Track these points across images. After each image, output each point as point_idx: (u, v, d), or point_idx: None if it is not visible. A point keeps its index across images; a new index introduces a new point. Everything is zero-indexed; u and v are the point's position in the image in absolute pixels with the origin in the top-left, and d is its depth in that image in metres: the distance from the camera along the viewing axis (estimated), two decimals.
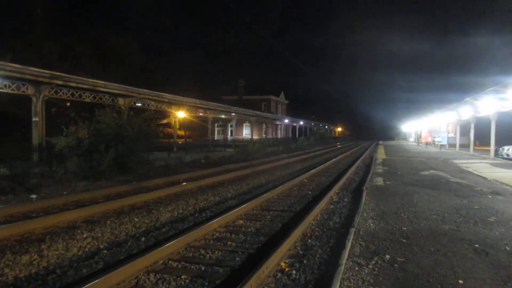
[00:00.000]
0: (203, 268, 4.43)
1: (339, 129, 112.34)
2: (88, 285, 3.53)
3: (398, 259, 4.45)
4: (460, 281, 3.80)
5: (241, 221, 6.66)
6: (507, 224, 6.08)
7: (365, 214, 6.83)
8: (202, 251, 5.01)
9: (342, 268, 4.01)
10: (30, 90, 16.05)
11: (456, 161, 19.02)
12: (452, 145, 34.45)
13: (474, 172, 13.89)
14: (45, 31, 33.15)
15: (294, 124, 66.78)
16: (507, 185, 10.47)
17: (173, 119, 29.97)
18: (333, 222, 6.58)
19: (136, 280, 4.06)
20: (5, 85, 15.34)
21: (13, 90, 15.63)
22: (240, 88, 61.00)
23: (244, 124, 56.60)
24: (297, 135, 62.32)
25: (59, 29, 38.95)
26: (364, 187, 9.76)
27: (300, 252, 4.97)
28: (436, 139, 34.82)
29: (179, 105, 27.75)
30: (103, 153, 12.28)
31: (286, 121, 61.87)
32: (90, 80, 18.89)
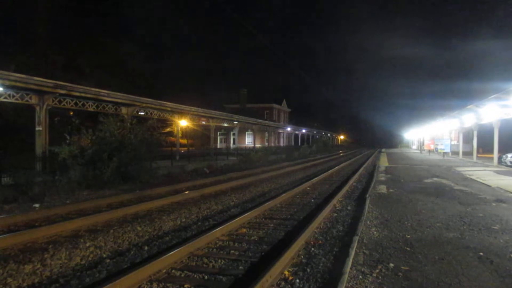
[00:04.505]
0: (206, 277, 4.41)
1: (342, 137, 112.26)
2: None
3: (402, 267, 4.42)
4: None
5: (244, 230, 6.65)
6: (511, 232, 6.04)
7: (368, 222, 6.80)
8: (205, 260, 4.99)
9: (346, 276, 3.99)
10: (33, 100, 16.18)
11: (459, 169, 18.94)
12: (455, 153, 34.33)
13: (477, 179, 13.82)
14: (48, 40, 33.61)
15: (297, 132, 66.82)
16: (511, 192, 10.41)
17: (175, 128, 30.07)
18: (337, 230, 6.55)
19: None
20: (9, 95, 15.48)
21: (17, 99, 15.76)
22: (242, 96, 61.22)
23: (246, 133, 56.65)
24: (299, 143, 62.36)
25: (62, 38, 39.51)
26: (367, 195, 9.72)
27: (304, 260, 4.94)
28: (439, 147, 34.73)
29: (182, 113, 27.87)
30: (106, 162, 12.32)
31: (289, 129, 61.91)
32: (93, 89, 19.01)
